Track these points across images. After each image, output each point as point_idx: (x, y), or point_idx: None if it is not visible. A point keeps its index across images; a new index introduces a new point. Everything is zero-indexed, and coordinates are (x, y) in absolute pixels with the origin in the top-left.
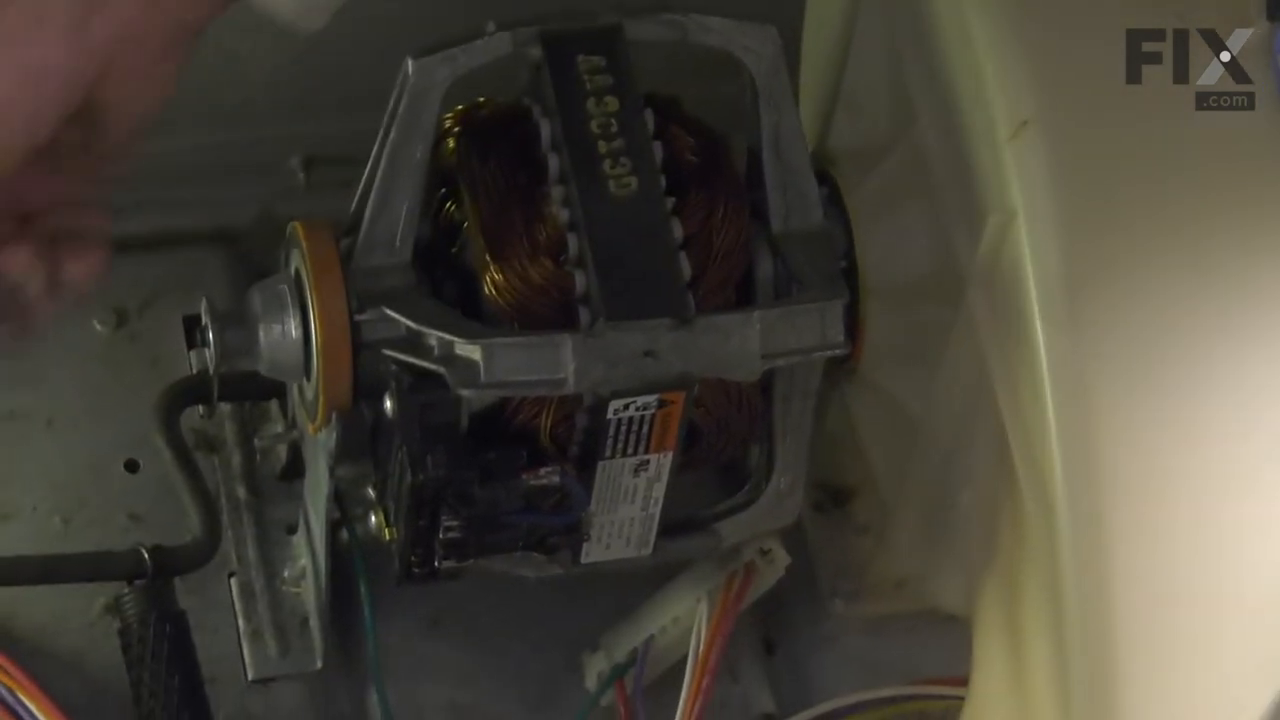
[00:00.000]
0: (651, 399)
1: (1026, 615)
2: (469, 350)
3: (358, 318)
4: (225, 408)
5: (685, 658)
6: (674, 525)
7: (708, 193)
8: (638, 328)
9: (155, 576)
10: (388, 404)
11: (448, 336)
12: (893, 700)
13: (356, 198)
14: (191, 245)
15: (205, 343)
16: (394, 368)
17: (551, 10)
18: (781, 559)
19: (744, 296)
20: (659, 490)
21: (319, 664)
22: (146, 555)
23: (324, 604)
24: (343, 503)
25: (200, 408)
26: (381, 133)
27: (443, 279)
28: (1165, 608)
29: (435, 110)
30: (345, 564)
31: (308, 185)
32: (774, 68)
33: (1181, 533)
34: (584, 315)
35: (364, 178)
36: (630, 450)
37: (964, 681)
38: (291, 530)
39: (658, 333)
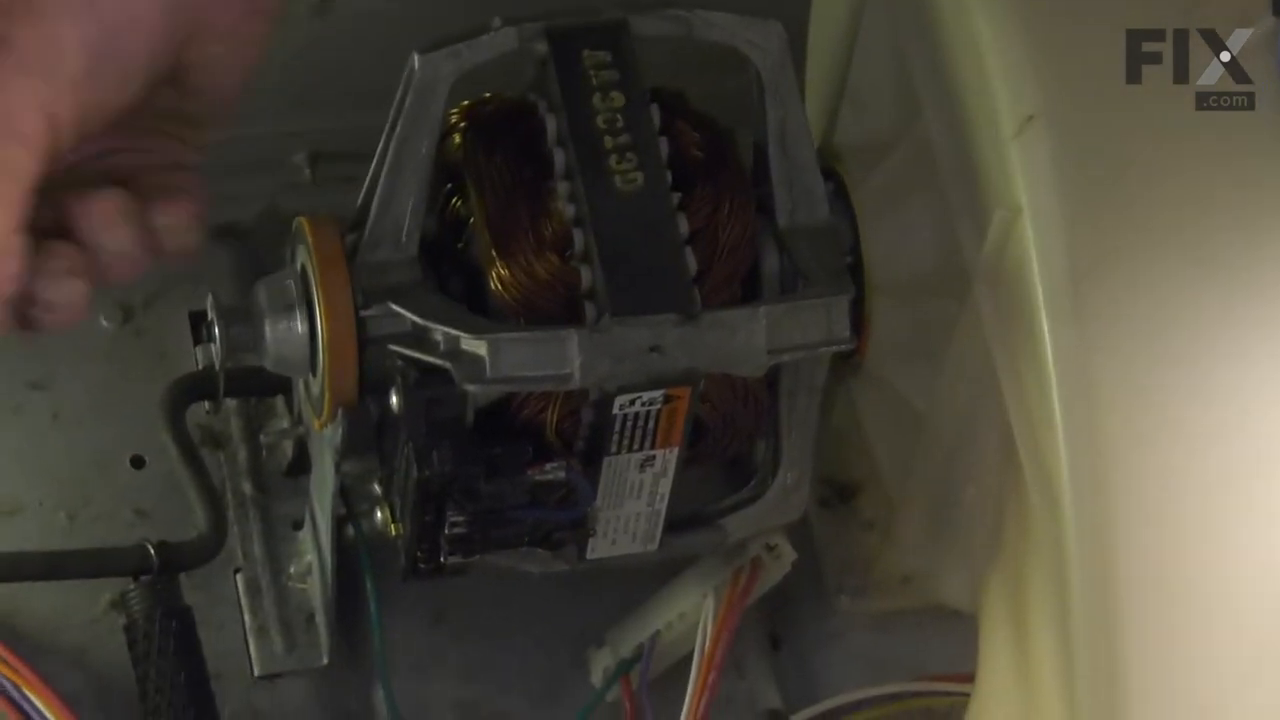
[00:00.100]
0: (657, 394)
1: (1032, 610)
2: (475, 345)
3: (363, 313)
4: (231, 403)
5: (691, 653)
6: (680, 521)
7: (713, 188)
8: (643, 323)
9: (161, 572)
10: (393, 399)
11: (453, 331)
12: (898, 696)
13: (362, 193)
14: None
15: (211, 338)
16: (400, 363)
17: (557, 5)
18: (787, 555)
19: (750, 292)
20: (665, 486)
21: (325, 660)
22: (152, 551)
23: (330, 600)
24: (348, 498)
25: (206, 403)
26: (387, 128)
27: (448, 274)
28: (1171, 602)
29: (441, 105)
30: (351, 560)
31: (313, 180)
32: (779, 63)
33: (1187, 527)
34: (590, 310)
35: (370, 173)
36: (636, 446)
37: (970, 678)
38: (297, 526)
39: (663, 328)
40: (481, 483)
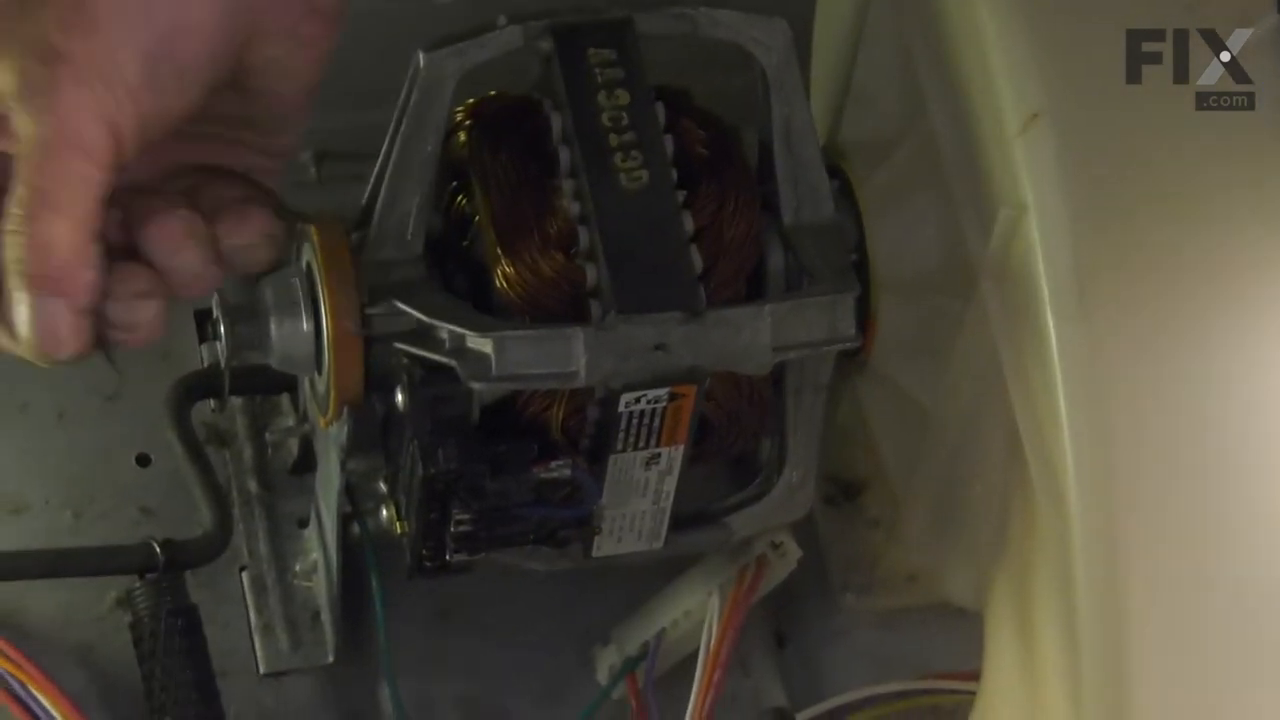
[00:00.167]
0: (663, 392)
1: (1038, 608)
2: (480, 343)
3: (369, 311)
4: (236, 401)
5: (697, 651)
6: (685, 519)
7: (719, 185)
8: (649, 321)
9: (166, 570)
10: (399, 397)
11: (459, 329)
12: (904, 694)
13: (367, 191)
14: None
15: (216, 336)
16: (405, 361)
17: (562, 3)
18: (793, 552)
19: (755, 290)
20: (670, 484)
21: (330, 658)
22: (158, 549)
23: (335, 597)
24: (354, 496)
25: (211, 401)
26: (392, 126)
27: (454, 272)
28: (1177, 599)
29: (446, 103)
30: (356, 557)
31: (319, 179)
32: (784, 61)
33: (1193, 524)
34: (595, 308)
35: (375, 171)
36: (641, 444)
37: (975, 676)
38: (303, 524)
39: (669, 326)
40: (487, 480)
